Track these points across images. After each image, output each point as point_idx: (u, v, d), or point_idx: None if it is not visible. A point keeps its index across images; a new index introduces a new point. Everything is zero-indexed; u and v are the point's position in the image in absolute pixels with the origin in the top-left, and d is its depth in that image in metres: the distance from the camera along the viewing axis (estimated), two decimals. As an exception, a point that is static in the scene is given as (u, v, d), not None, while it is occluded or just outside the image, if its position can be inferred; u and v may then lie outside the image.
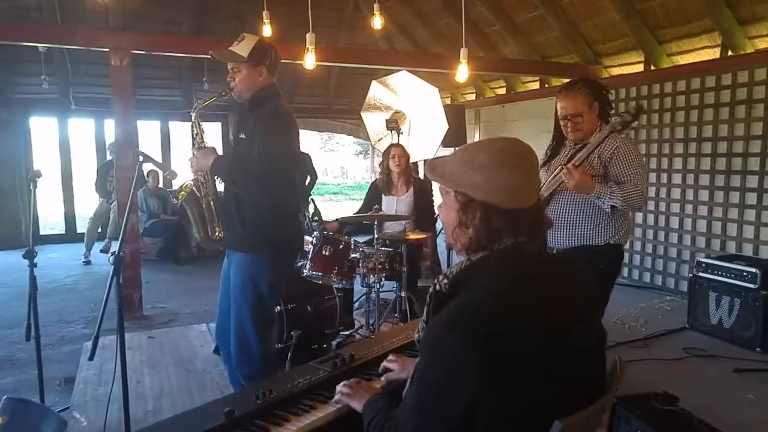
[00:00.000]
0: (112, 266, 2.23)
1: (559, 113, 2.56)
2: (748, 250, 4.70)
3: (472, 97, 8.63)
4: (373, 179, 4.93)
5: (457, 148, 1.39)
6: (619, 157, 2.48)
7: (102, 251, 7.25)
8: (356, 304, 4.44)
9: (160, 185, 7.66)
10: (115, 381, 2.23)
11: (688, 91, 5.12)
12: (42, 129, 8.67)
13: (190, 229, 2.43)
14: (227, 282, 2.59)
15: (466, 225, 1.23)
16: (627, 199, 2.40)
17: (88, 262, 7.11)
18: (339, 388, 1.60)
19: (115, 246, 7.25)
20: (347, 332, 3.98)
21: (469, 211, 1.22)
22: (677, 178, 5.26)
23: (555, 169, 2.52)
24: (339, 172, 24.25)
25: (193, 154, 2.47)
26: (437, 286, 1.25)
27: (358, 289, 3.99)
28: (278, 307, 3.39)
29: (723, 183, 4.88)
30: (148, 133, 8.92)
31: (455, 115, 5.91)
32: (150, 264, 6.68)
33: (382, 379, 1.75)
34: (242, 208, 2.42)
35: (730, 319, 3.97)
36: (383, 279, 3.85)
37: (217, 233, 2.56)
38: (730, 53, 4.85)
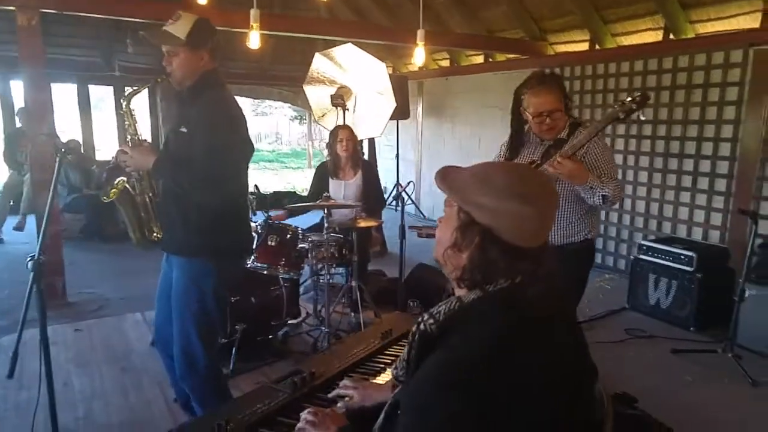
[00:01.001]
0: (32, 273, 1.98)
1: (533, 109, 2.39)
2: (682, 231, 4.90)
3: (416, 68, 8.44)
4: (317, 155, 4.68)
5: (476, 163, 1.25)
6: (595, 149, 2.41)
7: (15, 229, 6.64)
8: (302, 289, 4.28)
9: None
10: (40, 386, 2.04)
11: (632, 72, 5.18)
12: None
13: (115, 205, 2.20)
14: (167, 285, 2.37)
15: (460, 248, 1.11)
16: (614, 189, 2.35)
17: (0, 241, 6.52)
18: (303, 415, 1.46)
19: (30, 222, 6.66)
20: (294, 321, 3.84)
21: (467, 233, 1.09)
22: (619, 159, 5.36)
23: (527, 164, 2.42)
24: (273, 138, 23.47)
25: (127, 152, 2.19)
26: (422, 326, 1.12)
27: (305, 271, 3.85)
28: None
29: (661, 165, 5.02)
30: (63, 96, 8.18)
31: (398, 86, 5.73)
32: (72, 243, 6.17)
33: (339, 405, 1.62)
34: (186, 211, 2.18)
35: (667, 300, 4.13)
36: (333, 267, 3.72)
37: (154, 233, 2.33)
38: (672, 37, 4.93)
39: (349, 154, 4.12)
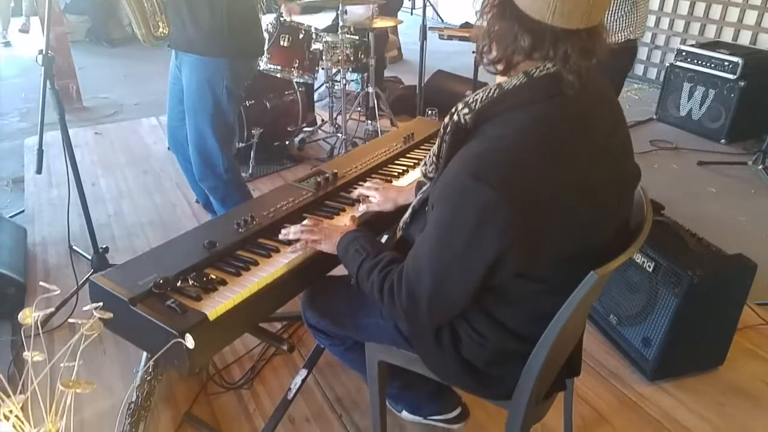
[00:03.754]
0: (42, 67, 1.91)
1: None
2: (727, 35, 4.48)
3: None
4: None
5: None
6: None
7: (21, 31, 6.39)
8: (316, 95, 4.15)
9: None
10: (69, 185, 2.10)
11: None
12: None
13: (119, 5, 2.04)
14: (176, 85, 2.27)
15: (482, 15, 0.99)
16: None
17: (7, 44, 6.34)
18: (296, 234, 1.37)
19: (35, 24, 6.39)
20: (310, 128, 3.77)
21: None
22: (669, -50, 4.74)
23: None
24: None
25: None
26: (455, 117, 1.01)
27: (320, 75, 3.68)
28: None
29: (718, -44, 4.43)
30: None
31: None
32: (79, 46, 5.96)
33: (361, 207, 1.58)
34: (195, 8, 2.04)
35: (700, 111, 3.93)
36: (348, 71, 3.52)
37: (161, 29, 2.16)
38: None
39: None
